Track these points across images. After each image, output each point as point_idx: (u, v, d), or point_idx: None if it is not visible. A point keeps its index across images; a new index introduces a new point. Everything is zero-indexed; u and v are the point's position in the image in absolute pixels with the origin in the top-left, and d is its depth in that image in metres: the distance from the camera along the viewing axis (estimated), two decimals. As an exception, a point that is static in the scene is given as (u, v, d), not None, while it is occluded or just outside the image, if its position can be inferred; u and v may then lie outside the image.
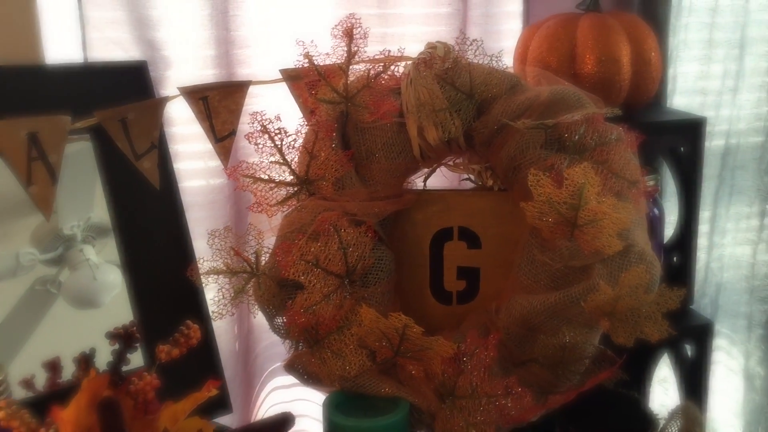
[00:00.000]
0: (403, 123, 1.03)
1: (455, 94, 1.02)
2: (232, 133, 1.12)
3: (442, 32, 1.27)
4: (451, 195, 1.11)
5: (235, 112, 1.12)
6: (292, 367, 1.04)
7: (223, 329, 1.29)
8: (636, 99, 1.16)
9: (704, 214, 1.60)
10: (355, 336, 0.99)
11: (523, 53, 1.19)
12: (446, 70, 1.01)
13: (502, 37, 1.36)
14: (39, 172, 1.03)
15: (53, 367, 1.06)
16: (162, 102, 1.11)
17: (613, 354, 1.01)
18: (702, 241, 1.61)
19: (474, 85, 1.02)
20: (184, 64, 1.19)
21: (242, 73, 1.24)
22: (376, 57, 1.01)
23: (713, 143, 1.55)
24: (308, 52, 1.01)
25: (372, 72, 1.01)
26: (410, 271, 1.11)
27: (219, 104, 1.12)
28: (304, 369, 1.02)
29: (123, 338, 0.85)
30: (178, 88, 1.09)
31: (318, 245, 0.97)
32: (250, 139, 1.01)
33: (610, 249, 0.94)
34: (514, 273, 1.04)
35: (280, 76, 1.11)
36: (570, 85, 1.04)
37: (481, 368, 0.95)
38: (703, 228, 1.60)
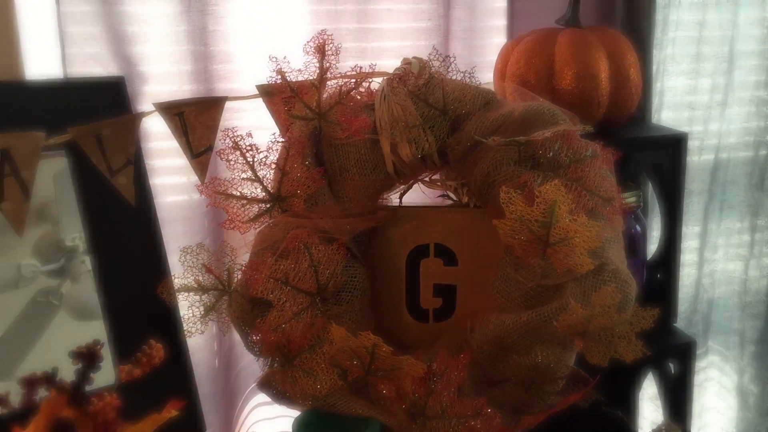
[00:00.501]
0: (376, 139, 1.02)
1: (428, 111, 1.01)
2: (209, 149, 1.11)
3: (421, 47, 1.26)
4: (427, 211, 1.10)
5: (212, 127, 1.11)
6: (265, 385, 1.03)
7: (202, 345, 1.29)
8: (615, 115, 1.14)
9: (694, 230, 1.58)
10: (326, 354, 0.98)
11: (502, 69, 1.18)
12: (419, 86, 1.00)
13: (486, 51, 1.35)
14: (11, 188, 1.02)
15: (29, 383, 1.06)
16: (137, 118, 1.11)
17: (585, 374, 0.99)
18: (692, 257, 1.60)
19: (447, 102, 1.01)
20: (162, 80, 1.19)
21: (223, 88, 1.24)
22: (348, 73, 1.00)
23: (702, 158, 1.54)
24: (281, 68, 1.01)
25: (344, 88, 1.00)
26: (386, 289, 1.10)
27: (195, 120, 1.11)
28: (276, 387, 1.01)
29: (86, 357, 0.85)
30: (154, 104, 1.09)
31: (288, 263, 0.96)
32: (222, 155, 1.01)
33: (581, 268, 0.93)
34: (489, 291, 1.03)
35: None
36: (545, 102, 1.03)
37: (450, 388, 0.93)
38: (693, 243, 1.59)
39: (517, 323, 0.96)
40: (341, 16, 1.24)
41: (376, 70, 1.05)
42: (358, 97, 1.05)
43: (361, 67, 1.00)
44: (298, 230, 0.98)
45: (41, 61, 1.21)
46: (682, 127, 1.49)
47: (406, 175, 1.06)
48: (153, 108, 1.09)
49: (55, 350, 1.04)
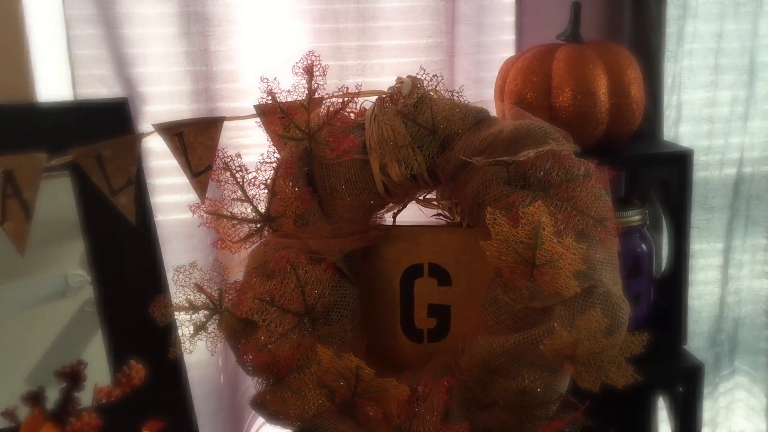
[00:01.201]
0: (366, 159, 1.02)
1: (418, 130, 1.00)
2: (209, 168, 1.13)
3: (424, 64, 1.25)
4: (420, 231, 1.09)
5: (211, 147, 1.13)
6: (258, 404, 1.03)
7: (206, 361, 1.30)
8: (616, 132, 1.12)
9: (716, 246, 1.53)
10: (314, 375, 0.98)
11: (501, 86, 1.16)
12: (408, 106, 1.00)
13: (494, 66, 1.33)
14: (13, 208, 1.05)
15: (34, 398, 1.08)
16: (138, 138, 1.13)
17: (574, 399, 0.97)
18: (715, 275, 1.54)
19: (436, 121, 1.00)
20: (164, 100, 1.21)
21: (227, 107, 1.25)
22: (335, 93, 1.00)
23: (724, 172, 1.49)
24: (271, 89, 1.02)
25: (331, 109, 1.00)
26: (381, 308, 1.10)
27: (194, 140, 1.12)
28: (267, 407, 1.02)
29: (70, 377, 0.86)
30: (153, 125, 1.10)
31: (273, 283, 0.97)
32: (213, 176, 1.02)
33: (567, 291, 0.91)
34: (480, 313, 1.01)
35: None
36: (537, 120, 1.01)
37: (434, 412, 0.93)
38: (715, 261, 1.54)
39: (504, 346, 0.94)
40: (342, 34, 1.24)
41: (368, 89, 1.05)
42: (352, 116, 1.05)
43: (347, 88, 1.00)
44: (285, 250, 0.98)
45: (53, 83, 1.25)
46: (701, 141, 1.46)
47: (398, 195, 1.05)
48: (153, 128, 1.11)
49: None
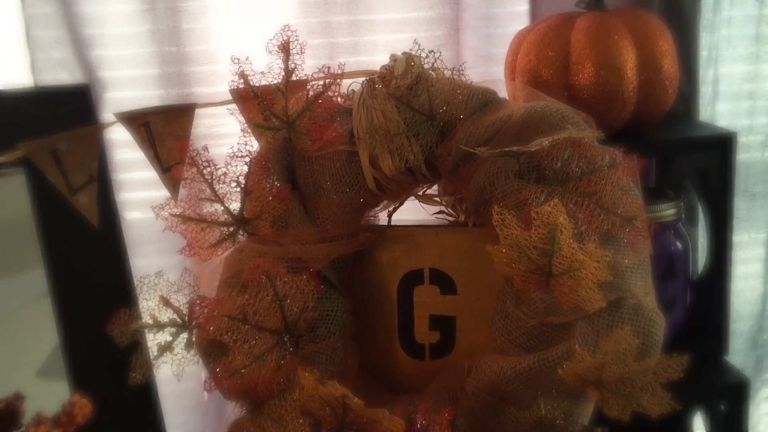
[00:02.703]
0: (354, 151, 0.88)
1: (413, 116, 0.86)
2: (181, 162, 0.99)
3: (422, 39, 1.10)
4: (420, 232, 0.94)
5: (183, 138, 1.00)
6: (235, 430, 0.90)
7: (190, 375, 1.16)
8: (646, 113, 0.96)
9: (758, 237, 1.38)
10: (297, 402, 0.85)
11: (512, 63, 1.01)
12: (401, 88, 0.85)
13: (506, 42, 1.17)
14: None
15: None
16: (98, 130, 0.99)
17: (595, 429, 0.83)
18: (757, 268, 1.39)
19: (434, 105, 0.86)
20: (130, 86, 1.07)
21: (204, 92, 1.11)
22: (315, 74, 0.86)
23: (767, 155, 1.33)
24: (243, 71, 0.88)
25: (311, 93, 0.86)
26: (376, 321, 0.96)
27: (163, 130, 0.99)
28: (243, 436, 0.89)
29: (3, 415, 0.74)
30: (115, 114, 0.97)
31: (246, 298, 0.83)
32: (178, 173, 0.88)
33: (590, 305, 0.76)
34: (488, 328, 0.87)
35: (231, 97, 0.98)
36: (553, 101, 0.86)
37: (434, 449, 0.79)
38: (758, 253, 1.38)
39: (516, 369, 0.80)
40: (331, 7, 1.09)
41: (356, 69, 0.90)
42: (340, 100, 0.91)
43: (329, 68, 0.86)
44: (260, 259, 0.85)
45: (10, 68, 1.12)
46: (741, 120, 1.30)
47: (392, 191, 0.91)
48: (115, 118, 0.98)
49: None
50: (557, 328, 0.81)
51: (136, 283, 0.88)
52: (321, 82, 0.86)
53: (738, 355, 1.41)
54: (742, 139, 1.30)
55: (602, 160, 0.83)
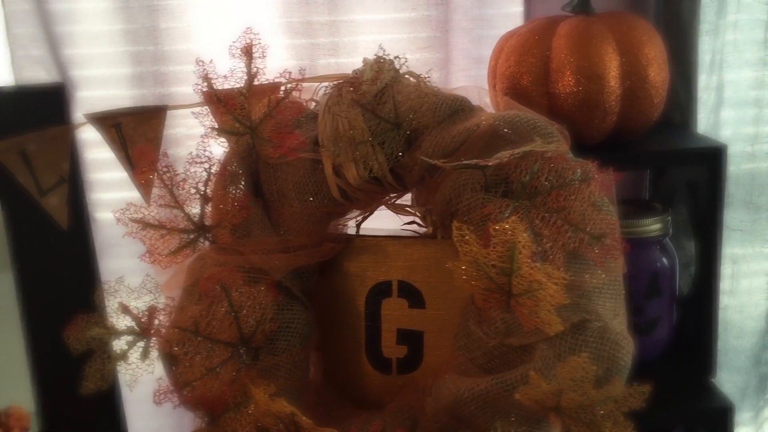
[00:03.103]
0: (318, 159, 0.85)
1: (378, 124, 0.83)
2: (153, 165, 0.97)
3: (405, 41, 1.07)
4: (389, 243, 0.91)
5: (154, 140, 0.98)
6: (192, 443, 0.88)
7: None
8: (631, 124, 0.92)
9: (764, 251, 1.32)
10: (252, 416, 0.82)
11: (494, 68, 0.97)
12: (366, 94, 0.82)
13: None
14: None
15: None
16: (68, 130, 0.98)
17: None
18: (760, 283, 1.33)
19: (400, 113, 0.82)
20: (107, 85, 1.06)
21: (184, 92, 1.09)
22: (276, 79, 0.83)
23: (775, 165, 1.27)
24: (207, 74, 0.85)
25: (273, 98, 0.83)
26: (343, 333, 0.93)
27: (134, 132, 0.97)
28: (200, 448, 0.87)
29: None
30: (85, 115, 0.96)
31: (198, 309, 0.81)
32: (137, 177, 0.86)
33: (549, 328, 0.73)
34: (451, 346, 0.84)
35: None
36: (527, 111, 0.82)
37: (383, 471, 0.76)
38: (762, 267, 1.32)
39: (473, 392, 0.77)
40: (312, 6, 1.06)
41: (329, 73, 0.88)
42: (313, 105, 0.88)
43: (290, 73, 0.83)
44: (215, 269, 0.82)
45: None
46: (746, 129, 1.24)
47: (360, 200, 0.88)
48: (85, 119, 0.97)
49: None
50: (518, 350, 0.77)
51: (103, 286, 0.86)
52: (282, 87, 0.83)
53: (740, 372, 1.36)
54: (747, 148, 1.24)
55: (573, 174, 0.79)
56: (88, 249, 1.01)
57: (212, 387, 0.81)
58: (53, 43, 1.03)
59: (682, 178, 1.01)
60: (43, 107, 1.02)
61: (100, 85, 1.05)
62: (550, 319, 0.72)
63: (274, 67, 0.88)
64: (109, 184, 1.08)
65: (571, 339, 0.75)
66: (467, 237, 0.74)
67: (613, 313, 0.78)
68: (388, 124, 0.83)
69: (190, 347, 0.80)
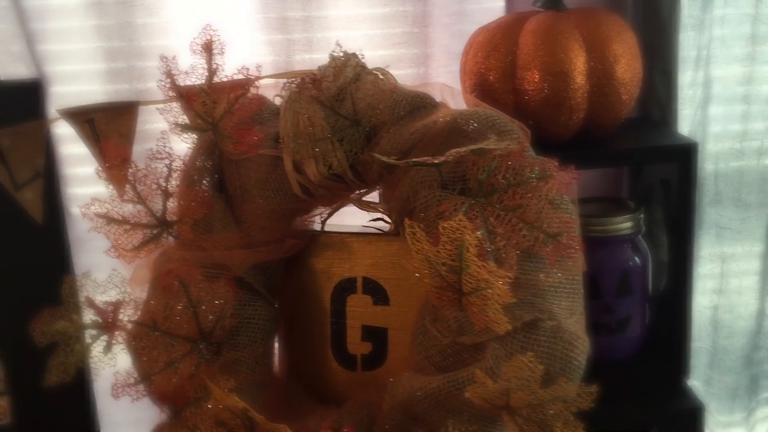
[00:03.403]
0: (280, 156, 0.85)
1: (337, 121, 0.83)
2: (126, 160, 0.98)
3: (378, 37, 1.07)
4: (354, 240, 0.91)
5: (127, 135, 0.99)
6: (157, 437, 0.89)
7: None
8: (599, 120, 0.90)
9: (753, 250, 1.29)
10: (211, 411, 0.83)
11: (464, 65, 0.96)
12: (325, 91, 0.82)
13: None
14: None
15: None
16: (42, 126, 0.99)
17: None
18: (751, 283, 1.31)
19: (358, 110, 0.82)
20: (83, 81, 1.07)
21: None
22: (235, 75, 0.83)
23: (763, 162, 1.25)
24: (170, 70, 0.86)
25: (231, 95, 0.83)
26: (310, 328, 0.93)
27: (107, 127, 0.98)
28: (164, 442, 0.87)
29: None
30: (58, 110, 0.96)
31: (155, 304, 0.81)
32: (101, 172, 0.87)
33: (498, 326, 0.72)
34: (410, 343, 0.84)
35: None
36: (488, 109, 0.82)
37: (333, 469, 0.76)
38: (752, 266, 1.30)
39: (426, 390, 0.77)
40: (288, 3, 1.06)
41: (291, 70, 0.88)
42: (279, 101, 0.88)
43: (248, 70, 0.83)
44: (174, 264, 0.83)
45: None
46: (734, 125, 1.22)
47: (323, 197, 0.88)
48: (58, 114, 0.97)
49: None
50: (472, 349, 0.77)
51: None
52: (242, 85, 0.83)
53: (730, 373, 1.34)
54: (735, 145, 1.22)
55: (531, 172, 0.78)
56: (63, 243, 1.01)
57: (171, 381, 0.82)
58: (29, 39, 1.04)
59: (657, 176, 0.99)
60: (20, 103, 1.03)
61: (76, 80, 1.06)
62: (498, 318, 0.71)
63: (252, 63, 0.89)
64: (84, 179, 1.09)
65: (523, 338, 0.74)
66: (418, 234, 0.74)
67: (569, 312, 0.77)
68: (347, 121, 0.83)
69: (148, 342, 0.81)
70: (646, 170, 1.03)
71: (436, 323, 0.79)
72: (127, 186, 0.86)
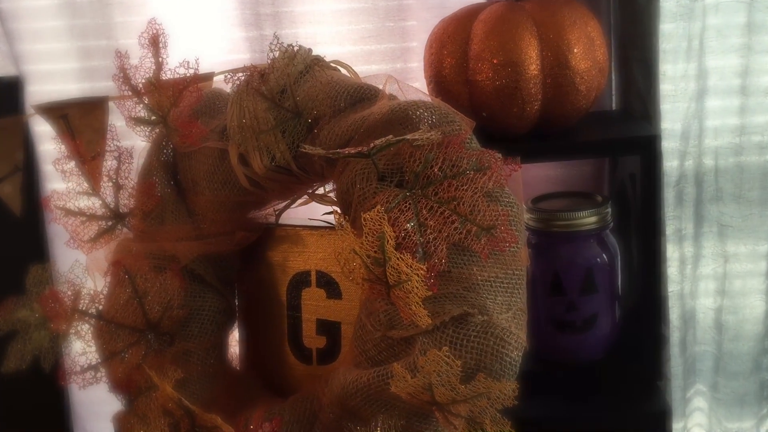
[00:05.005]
0: (226, 149, 0.86)
1: (279, 113, 0.83)
2: (99, 155, 1.01)
3: (344, 33, 1.07)
4: (306, 233, 0.91)
5: (100, 130, 1.01)
6: (115, 425, 0.91)
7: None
8: (558, 112, 0.88)
9: (759, 249, 1.23)
10: (158, 400, 0.84)
11: (424, 58, 0.95)
12: (268, 83, 0.82)
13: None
14: None
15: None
16: (19, 121, 1.02)
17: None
18: (755, 284, 1.25)
19: (298, 102, 0.82)
20: (57, 79, 1.09)
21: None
22: (177, 71, 0.84)
23: (765, 158, 1.19)
24: (123, 65, 0.87)
25: (175, 89, 0.84)
26: (267, 322, 0.94)
27: (80, 122, 1.00)
28: (119, 431, 0.89)
29: None
30: (32, 106, 1.00)
31: (97, 293, 0.83)
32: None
33: (420, 320, 0.71)
34: (351, 338, 0.83)
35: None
36: (432, 100, 0.80)
37: (261, 460, 0.76)
38: (757, 267, 1.24)
39: (357, 384, 0.76)
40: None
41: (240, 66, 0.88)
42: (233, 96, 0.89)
43: (189, 62, 0.84)
44: (122, 255, 0.84)
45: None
46: (731, 119, 1.17)
47: (273, 190, 0.88)
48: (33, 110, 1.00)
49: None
50: (404, 343, 0.75)
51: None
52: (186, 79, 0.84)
53: (737, 378, 1.28)
54: (734, 140, 1.17)
55: (468, 164, 0.76)
56: (41, 236, 1.04)
57: (119, 370, 0.83)
58: (9, 37, 1.07)
59: (627, 170, 0.96)
60: (1, 99, 1.07)
61: (53, 79, 1.09)
62: (419, 312, 0.70)
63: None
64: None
65: (452, 332, 0.72)
66: (345, 226, 0.73)
67: (505, 307, 0.75)
68: (288, 113, 0.82)
69: (94, 331, 0.82)
70: (620, 164, 0.99)
71: (370, 317, 0.78)
72: (82, 178, 0.88)
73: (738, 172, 1.18)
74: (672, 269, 1.16)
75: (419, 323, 0.71)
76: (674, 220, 1.14)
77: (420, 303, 0.70)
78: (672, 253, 1.15)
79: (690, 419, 1.29)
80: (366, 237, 0.71)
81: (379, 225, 0.70)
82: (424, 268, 0.69)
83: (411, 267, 0.69)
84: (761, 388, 1.30)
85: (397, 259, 0.70)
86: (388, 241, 0.70)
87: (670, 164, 1.11)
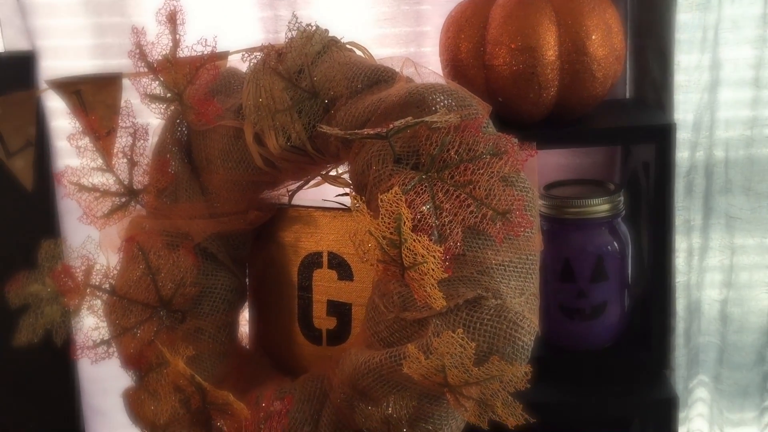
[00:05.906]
0: (242, 128, 0.86)
1: (295, 93, 0.82)
2: (113, 131, 1.01)
3: (364, 17, 1.06)
4: (320, 214, 0.91)
5: (113, 106, 1.01)
6: (124, 400, 0.91)
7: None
8: (574, 99, 0.87)
9: (766, 241, 1.24)
10: (169, 376, 0.84)
11: (440, 40, 0.95)
12: (285, 63, 0.82)
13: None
14: None
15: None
16: (31, 96, 1.02)
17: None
18: (762, 276, 1.25)
19: (315, 82, 0.82)
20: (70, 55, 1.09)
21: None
22: (195, 48, 0.84)
23: (778, 150, 1.19)
24: (140, 41, 0.87)
25: (191, 66, 0.84)
26: (278, 302, 0.94)
27: (94, 99, 1.00)
28: (128, 406, 0.89)
29: None
30: (46, 81, 0.99)
31: (110, 269, 0.83)
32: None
33: (434, 302, 0.71)
34: (363, 318, 0.83)
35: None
36: (447, 83, 0.80)
37: (273, 437, 0.76)
38: (764, 259, 1.24)
39: (369, 364, 0.76)
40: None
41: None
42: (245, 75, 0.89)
43: (206, 40, 0.84)
44: (136, 232, 0.84)
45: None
46: (744, 111, 1.17)
47: (287, 169, 0.88)
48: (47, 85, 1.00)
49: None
50: (417, 325, 0.76)
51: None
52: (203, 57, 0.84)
53: (741, 370, 1.28)
54: (746, 132, 1.17)
55: (484, 148, 0.76)
56: (52, 211, 1.04)
57: (130, 346, 0.84)
58: (23, 12, 1.07)
59: (640, 159, 0.96)
60: (16, 74, 1.07)
61: (67, 55, 1.09)
62: (434, 294, 0.70)
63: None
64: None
65: (466, 315, 0.73)
66: (361, 207, 0.73)
67: (518, 291, 0.75)
68: (305, 93, 0.82)
69: (107, 306, 0.83)
70: (633, 153, 0.99)
71: (383, 298, 0.78)
72: (96, 154, 0.88)
73: (748, 164, 1.18)
74: (679, 260, 1.16)
75: (434, 305, 0.71)
76: (683, 211, 1.14)
77: (435, 285, 0.70)
78: (680, 243, 1.15)
79: (692, 409, 1.29)
80: (382, 218, 0.71)
81: (396, 206, 0.70)
82: (441, 250, 0.69)
83: (427, 249, 0.69)
84: (764, 380, 1.31)
85: (414, 240, 0.70)
86: (405, 222, 0.70)
87: (681, 155, 1.11)
